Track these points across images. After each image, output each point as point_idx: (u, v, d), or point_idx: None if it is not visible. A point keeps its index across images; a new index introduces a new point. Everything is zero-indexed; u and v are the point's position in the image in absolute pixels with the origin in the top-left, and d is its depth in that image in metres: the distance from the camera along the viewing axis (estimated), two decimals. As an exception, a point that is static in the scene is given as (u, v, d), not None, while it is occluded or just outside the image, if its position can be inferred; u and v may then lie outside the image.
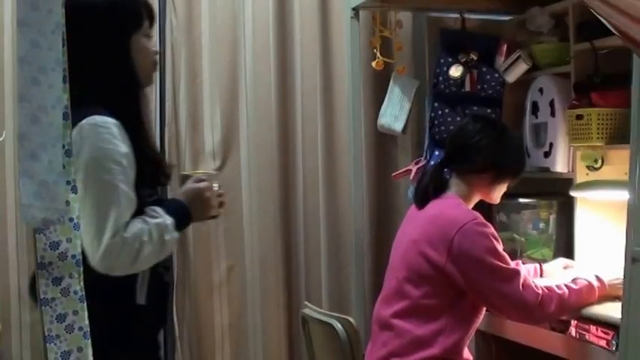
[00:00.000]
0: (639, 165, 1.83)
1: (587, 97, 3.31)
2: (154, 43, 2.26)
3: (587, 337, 2.86)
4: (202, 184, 2.32)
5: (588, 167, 3.38)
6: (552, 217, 3.57)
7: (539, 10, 3.66)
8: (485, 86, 3.86)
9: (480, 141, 2.97)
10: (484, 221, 2.85)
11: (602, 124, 3.23)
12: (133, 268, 2.11)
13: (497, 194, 3.03)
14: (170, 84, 3.99)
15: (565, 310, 2.85)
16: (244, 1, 4.04)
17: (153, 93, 3.98)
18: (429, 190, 3.00)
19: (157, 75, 3.95)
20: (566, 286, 2.87)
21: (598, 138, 3.24)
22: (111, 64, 2.16)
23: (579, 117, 3.31)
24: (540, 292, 2.78)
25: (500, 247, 2.82)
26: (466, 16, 3.98)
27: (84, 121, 2.05)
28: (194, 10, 4.00)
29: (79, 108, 2.02)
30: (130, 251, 2.06)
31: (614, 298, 2.87)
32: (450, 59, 3.86)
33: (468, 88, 3.84)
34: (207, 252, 4.03)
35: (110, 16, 2.15)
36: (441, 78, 3.86)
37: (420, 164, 3.84)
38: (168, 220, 2.16)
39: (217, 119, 4.03)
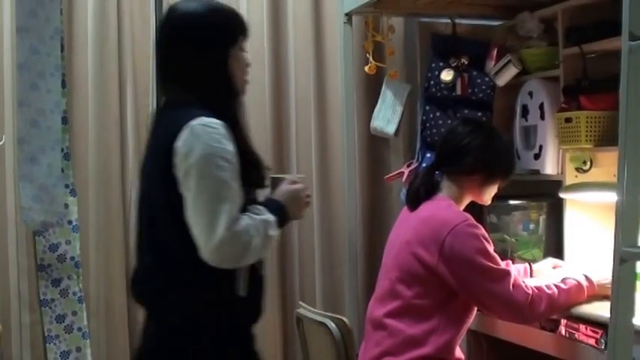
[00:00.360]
0: (627, 167, 1.83)
1: (576, 101, 3.32)
2: (248, 56, 2.39)
3: (576, 335, 2.86)
4: (297, 186, 2.42)
5: (577, 169, 3.39)
6: (542, 219, 3.58)
7: (529, 15, 3.67)
8: (476, 90, 3.86)
9: (469, 143, 2.97)
10: (475, 223, 2.86)
11: (591, 126, 3.24)
12: (242, 262, 2.19)
13: (487, 195, 3.04)
14: (166, 88, 3.99)
15: (555, 309, 2.86)
16: (239, 5, 4.03)
17: (150, 97, 3.99)
18: (420, 192, 3.00)
19: (152, 80, 3.99)
20: (555, 286, 2.88)
21: (587, 140, 3.25)
22: (212, 74, 2.28)
23: (568, 120, 3.32)
24: (530, 292, 2.79)
25: (490, 247, 2.83)
26: (457, 21, 3.98)
27: (194, 122, 2.15)
28: (190, 15, 4.00)
29: (187, 111, 2.19)
30: (240, 245, 2.13)
31: (602, 298, 2.88)
32: (442, 63, 3.86)
33: (459, 91, 3.85)
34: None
35: (211, 32, 2.29)
36: (432, 82, 3.87)
37: (412, 166, 3.84)
38: (271, 217, 2.25)
39: (213, 123, 4.03)
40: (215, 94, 2.28)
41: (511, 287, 2.77)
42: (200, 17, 2.30)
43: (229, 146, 2.17)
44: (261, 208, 2.27)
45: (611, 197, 2.60)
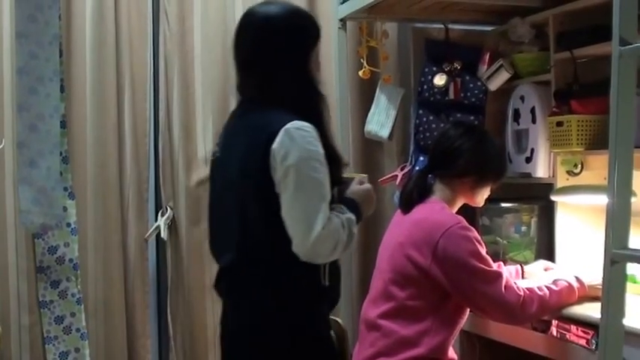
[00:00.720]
0: (617, 170, 1.83)
1: (567, 105, 3.33)
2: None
3: (567, 336, 2.87)
4: (367, 186, 2.51)
5: (568, 172, 3.39)
6: (534, 221, 3.58)
7: (520, 20, 3.68)
8: (469, 94, 3.86)
9: (461, 146, 2.97)
10: (468, 225, 2.86)
11: (582, 130, 3.25)
12: (330, 258, 2.29)
13: (480, 198, 3.03)
14: (164, 93, 3.99)
15: (546, 310, 2.86)
16: (235, 13, 4.03)
17: (147, 102, 3.98)
18: (413, 195, 3.00)
19: (150, 84, 3.99)
20: (546, 287, 2.88)
21: (578, 144, 3.26)
22: (297, 76, 2.36)
23: (559, 124, 3.32)
24: (522, 293, 2.79)
25: (483, 250, 2.83)
26: (450, 26, 3.99)
27: (289, 125, 2.23)
28: (186, 21, 4.00)
29: (278, 114, 2.27)
30: (332, 241, 2.23)
31: (592, 299, 2.89)
32: (435, 68, 3.86)
33: (451, 96, 3.85)
34: (199, 255, 4.01)
35: (294, 35, 2.36)
36: (425, 86, 3.87)
37: (406, 170, 3.84)
38: (352, 216, 2.34)
39: (209, 127, 4.03)
40: (301, 95, 2.35)
41: (503, 289, 2.77)
42: (283, 20, 2.36)
43: (321, 149, 2.26)
44: (343, 207, 2.36)
45: (602, 200, 2.61)
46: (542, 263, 3.31)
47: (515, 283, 2.85)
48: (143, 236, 3.97)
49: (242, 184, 2.31)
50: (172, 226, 4.01)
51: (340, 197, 2.43)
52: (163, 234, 3.96)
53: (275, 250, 2.28)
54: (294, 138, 2.22)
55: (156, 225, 3.99)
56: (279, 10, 2.38)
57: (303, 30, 2.40)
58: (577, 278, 2.95)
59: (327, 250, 2.24)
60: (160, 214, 4.01)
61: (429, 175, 3.04)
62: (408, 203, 3.00)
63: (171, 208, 4.00)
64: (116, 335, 3.90)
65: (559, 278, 2.96)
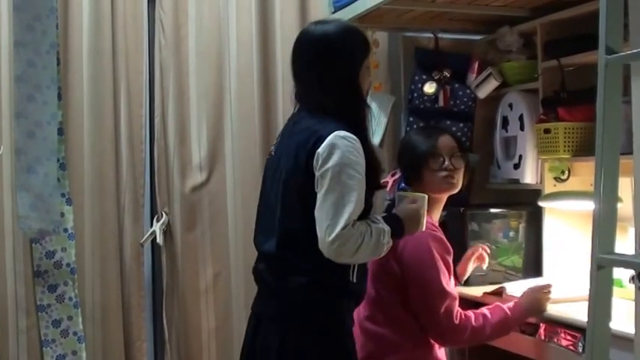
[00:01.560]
0: (604, 176, 1.83)
1: (555, 112, 3.33)
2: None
3: (555, 339, 2.86)
4: (417, 205, 2.61)
5: (556, 179, 3.40)
6: (522, 226, 3.58)
7: (509, 29, 3.68)
8: (458, 102, 3.87)
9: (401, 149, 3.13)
10: (437, 235, 2.90)
11: (569, 137, 3.25)
12: (353, 259, 2.41)
13: (433, 184, 2.99)
14: (159, 101, 3.98)
15: (478, 339, 2.92)
16: (229, 22, 4.04)
17: (143, 109, 3.98)
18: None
19: (146, 92, 3.98)
20: (483, 317, 2.89)
21: (565, 151, 3.26)
22: (348, 89, 2.51)
23: (547, 131, 3.32)
24: (457, 321, 2.83)
25: (443, 263, 2.87)
26: (439, 35, 3.99)
27: (336, 133, 2.38)
28: (181, 30, 4.00)
29: (327, 122, 2.43)
30: (354, 244, 2.34)
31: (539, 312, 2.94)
32: (424, 76, 3.87)
33: (441, 103, 3.86)
34: (194, 260, 4.01)
35: (347, 52, 2.51)
36: (415, 94, 3.87)
37: (396, 176, 3.84)
38: (386, 227, 2.45)
39: (204, 134, 4.02)
40: (350, 106, 2.49)
41: (443, 308, 2.81)
42: (337, 38, 2.51)
43: (361, 160, 2.40)
44: (379, 218, 2.49)
45: (589, 206, 2.61)
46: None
47: (459, 309, 2.88)
48: (139, 241, 3.96)
49: (287, 180, 2.47)
50: (167, 231, 4.00)
51: (389, 213, 2.62)
52: (159, 239, 3.95)
53: (310, 243, 2.38)
54: (338, 145, 2.36)
55: (151, 230, 3.98)
56: (335, 28, 2.54)
57: (355, 47, 2.54)
58: (514, 305, 2.94)
59: (349, 251, 2.35)
60: (155, 220, 4.00)
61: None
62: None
63: (166, 214, 3.99)
64: (112, 338, 3.89)
65: (499, 305, 2.96)
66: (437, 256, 2.87)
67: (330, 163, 2.35)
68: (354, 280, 2.48)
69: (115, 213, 3.90)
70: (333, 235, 2.32)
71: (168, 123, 3.98)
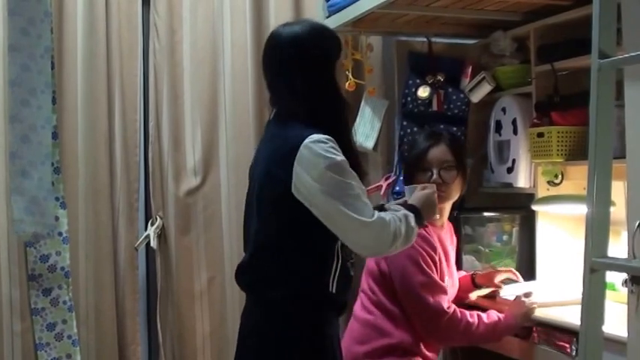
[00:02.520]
0: (597, 180, 1.84)
1: (548, 116, 3.33)
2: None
3: (548, 342, 2.87)
4: (428, 191, 2.66)
5: (549, 182, 3.40)
6: (515, 230, 3.59)
7: (502, 34, 3.69)
8: (452, 106, 3.87)
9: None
10: (421, 232, 2.90)
11: (562, 141, 3.26)
12: (392, 248, 2.36)
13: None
14: (153, 105, 3.98)
15: (471, 337, 2.93)
16: (223, 26, 4.04)
17: (137, 113, 3.98)
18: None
19: (140, 96, 3.98)
20: (478, 316, 2.91)
21: (558, 155, 3.26)
22: (324, 91, 2.45)
23: (540, 135, 3.33)
24: (451, 311, 2.86)
25: (429, 258, 2.91)
26: (433, 40, 3.99)
27: (307, 141, 2.30)
28: (176, 34, 4.00)
29: (300, 128, 2.36)
30: (388, 232, 2.31)
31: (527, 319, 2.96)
32: (418, 80, 3.87)
33: (435, 107, 3.86)
34: (188, 264, 4.01)
35: (319, 53, 2.45)
36: (409, 98, 3.88)
37: (390, 180, 3.84)
38: (409, 213, 2.44)
39: (198, 138, 4.02)
40: (325, 109, 2.43)
41: (432, 299, 2.85)
42: (307, 39, 2.45)
43: (341, 155, 2.33)
44: (398, 206, 2.50)
45: (582, 209, 2.61)
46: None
47: (453, 306, 2.92)
48: (133, 245, 3.96)
49: (261, 191, 2.43)
50: (162, 235, 4.00)
51: (404, 204, 2.58)
52: (153, 243, 3.95)
53: (284, 254, 2.37)
54: (314, 151, 2.30)
55: (146, 234, 3.97)
56: (303, 29, 2.48)
57: (327, 46, 2.49)
58: (504, 316, 2.96)
59: (387, 240, 2.32)
60: (149, 224, 4.00)
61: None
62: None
63: (160, 218, 3.99)
64: (107, 342, 3.88)
65: (492, 311, 2.99)
66: (420, 251, 2.90)
67: (316, 175, 2.29)
68: (334, 291, 2.42)
69: (109, 217, 3.90)
70: (368, 229, 2.28)
71: (163, 127, 3.98)
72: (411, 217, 2.43)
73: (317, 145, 2.30)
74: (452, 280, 3.14)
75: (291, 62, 2.43)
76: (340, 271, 2.42)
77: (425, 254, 2.92)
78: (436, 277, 2.93)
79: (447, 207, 3.12)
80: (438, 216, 2.81)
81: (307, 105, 2.40)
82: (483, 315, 2.96)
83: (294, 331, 2.40)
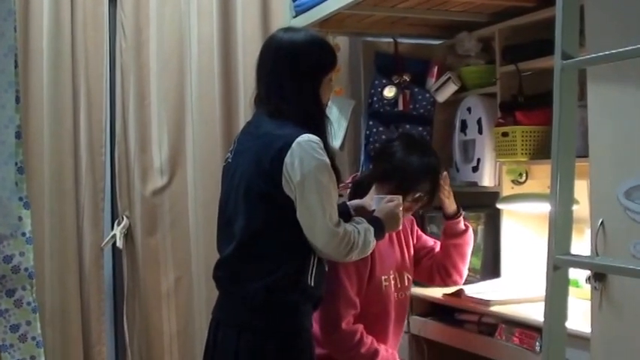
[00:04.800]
0: (560, 179, 1.85)
1: (512, 116, 3.36)
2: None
3: (513, 339, 2.89)
4: (392, 204, 2.74)
5: (513, 181, 3.43)
6: (480, 228, 3.61)
7: (468, 35, 3.71)
8: (417, 106, 3.89)
9: (387, 151, 3.04)
10: None
11: (526, 140, 3.28)
12: (347, 258, 2.50)
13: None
14: (120, 105, 3.96)
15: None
16: (190, 25, 4.02)
17: (103, 113, 3.95)
18: (350, 196, 3.11)
19: (106, 95, 3.96)
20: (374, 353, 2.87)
21: (522, 154, 3.29)
22: (310, 96, 2.52)
23: (505, 134, 3.35)
24: (346, 327, 2.82)
25: (355, 269, 2.85)
26: (399, 40, 4.01)
27: (299, 139, 2.40)
28: (142, 33, 3.98)
29: (289, 127, 2.45)
30: (348, 242, 2.44)
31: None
32: (384, 80, 3.88)
33: (400, 107, 3.87)
34: (155, 263, 3.99)
35: (313, 61, 2.54)
36: (375, 98, 3.89)
37: (357, 179, 3.85)
38: (371, 227, 2.56)
39: (165, 138, 4.01)
40: (309, 114, 2.51)
41: (342, 310, 2.82)
42: (304, 46, 2.55)
43: (327, 158, 2.45)
44: (362, 219, 2.60)
45: (545, 208, 2.64)
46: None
47: (363, 333, 2.86)
48: (99, 245, 3.93)
49: (249, 185, 2.47)
50: (128, 234, 3.98)
51: (369, 215, 2.69)
52: (119, 243, 3.92)
53: (270, 247, 2.45)
54: (306, 150, 2.40)
55: (112, 234, 3.95)
56: (302, 37, 2.58)
57: (320, 59, 2.56)
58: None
59: (344, 249, 2.44)
60: (116, 224, 3.97)
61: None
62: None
63: (127, 218, 3.97)
64: (72, 343, 3.86)
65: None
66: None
67: (305, 170, 2.38)
68: (312, 284, 2.50)
69: (74, 217, 3.87)
70: (329, 233, 2.40)
71: (129, 126, 3.96)
72: (371, 231, 2.55)
73: (308, 145, 2.40)
74: (402, 253, 3.10)
75: (284, 65, 2.51)
76: (317, 265, 2.50)
77: (354, 266, 2.85)
78: (352, 292, 2.86)
79: None
80: (399, 228, 2.86)
81: (299, 108, 2.49)
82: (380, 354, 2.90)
83: (272, 321, 2.46)
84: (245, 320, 2.48)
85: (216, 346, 2.54)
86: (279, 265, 2.44)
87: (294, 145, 2.39)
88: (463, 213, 3.24)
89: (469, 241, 3.22)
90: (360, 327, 2.86)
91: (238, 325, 2.49)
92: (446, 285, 3.24)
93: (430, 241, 3.25)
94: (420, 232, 3.26)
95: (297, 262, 2.47)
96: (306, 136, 2.42)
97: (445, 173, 3.19)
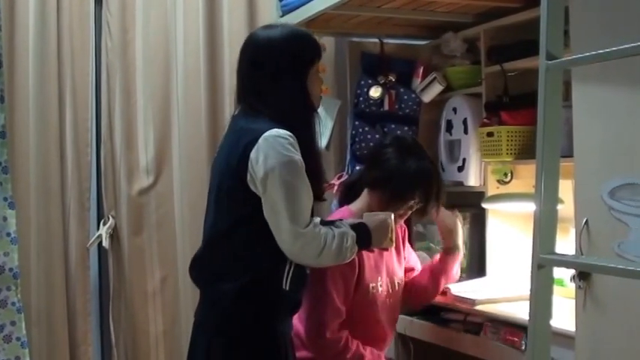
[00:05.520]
0: (544, 178, 1.86)
1: (497, 116, 3.37)
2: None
3: (498, 338, 2.91)
4: (383, 216, 2.65)
5: (498, 181, 3.45)
6: (466, 228, 3.62)
7: (453, 35, 3.73)
8: (403, 106, 3.90)
9: (380, 157, 2.95)
10: None
11: (511, 140, 3.30)
12: (317, 262, 2.42)
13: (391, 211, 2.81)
14: (106, 104, 3.96)
15: None
16: (176, 25, 4.03)
17: (89, 112, 3.95)
18: (341, 199, 3.10)
19: (92, 95, 3.95)
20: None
21: (507, 154, 3.30)
22: (291, 93, 2.46)
23: (490, 134, 3.37)
24: (330, 335, 2.77)
25: (342, 277, 2.80)
26: (385, 40, 4.02)
27: (266, 134, 2.33)
28: (128, 32, 3.98)
29: (262, 123, 2.38)
30: (317, 245, 2.35)
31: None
32: (370, 81, 3.89)
33: (386, 107, 3.88)
34: (141, 263, 3.99)
35: (292, 57, 2.47)
36: (361, 98, 3.89)
37: (342, 179, 3.85)
38: (351, 232, 2.45)
39: (151, 137, 4.01)
40: (292, 109, 2.44)
41: (327, 319, 2.77)
42: (282, 42, 2.49)
43: (297, 155, 2.35)
44: (345, 223, 2.51)
45: (530, 207, 2.66)
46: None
47: (351, 340, 2.83)
48: (85, 245, 3.93)
49: (221, 183, 2.44)
50: (114, 234, 3.97)
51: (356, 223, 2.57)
52: (105, 242, 3.92)
53: (238, 247, 2.39)
54: (272, 145, 2.32)
55: (98, 234, 3.95)
56: (279, 33, 2.52)
57: (300, 51, 2.50)
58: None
59: (313, 253, 2.35)
60: (101, 223, 3.97)
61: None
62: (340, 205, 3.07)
63: (113, 217, 3.96)
64: (58, 343, 3.85)
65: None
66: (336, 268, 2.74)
67: (268, 166, 2.30)
68: (287, 288, 2.42)
69: (60, 216, 3.87)
70: (293, 234, 2.31)
71: (115, 126, 3.96)
72: (351, 237, 2.44)
73: (275, 140, 2.33)
74: (395, 259, 3.08)
75: (261, 61, 2.47)
76: (295, 269, 2.42)
77: (340, 273, 2.80)
78: (338, 299, 2.80)
79: None
80: (392, 246, 2.75)
81: (276, 105, 2.43)
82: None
83: (244, 327, 2.40)
84: (217, 325, 2.44)
85: (193, 349, 2.50)
86: (248, 267, 2.38)
87: (260, 140, 2.33)
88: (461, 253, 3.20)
89: (452, 279, 3.18)
90: (345, 333, 2.83)
91: (210, 329, 2.45)
92: (413, 306, 3.24)
93: (416, 261, 3.23)
94: (409, 247, 3.24)
95: (269, 265, 2.40)
96: (274, 131, 2.34)
97: (458, 214, 3.18)
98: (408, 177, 2.88)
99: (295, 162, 2.34)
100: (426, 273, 3.17)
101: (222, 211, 2.43)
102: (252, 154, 2.32)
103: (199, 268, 2.51)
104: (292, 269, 2.42)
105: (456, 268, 3.18)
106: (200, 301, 2.54)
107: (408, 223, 3.29)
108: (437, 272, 3.15)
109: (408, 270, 3.19)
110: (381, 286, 2.96)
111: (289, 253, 2.36)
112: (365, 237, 2.52)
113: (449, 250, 3.17)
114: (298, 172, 2.35)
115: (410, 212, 2.99)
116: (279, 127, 2.36)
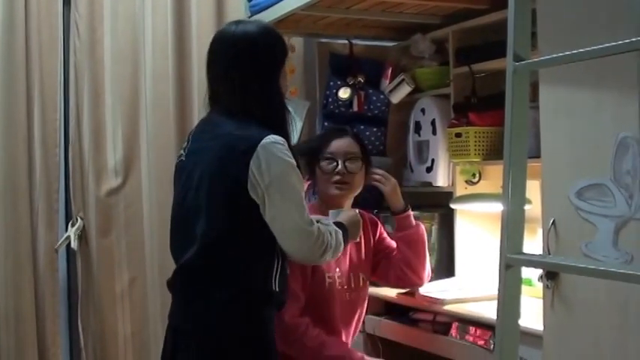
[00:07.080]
0: (512, 179, 1.87)
1: (466, 117, 3.39)
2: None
3: (467, 337, 2.92)
4: (354, 212, 2.75)
5: (467, 181, 3.47)
6: (434, 228, 3.64)
7: (422, 36, 3.74)
8: (372, 107, 3.91)
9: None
10: None
11: (479, 141, 3.32)
12: (321, 259, 2.45)
13: (322, 185, 3.01)
14: (74, 104, 3.92)
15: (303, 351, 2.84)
16: (144, 24, 4.00)
17: (57, 112, 3.91)
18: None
19: (60, 95, 3.91)
20: (320, 344, 2.83)
21: (475, 154, 3.32)
22: (269, 90, 2.44)
23: (458, 135, 3.39)
24: (289, 320, 2.77)
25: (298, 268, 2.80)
26: (354, 42, 4.03)
27: (265, 141, 2.32)
28: (96, 32, 3.94)
29: (252, 128, 2.36)
30: (322, 242, 2.38)
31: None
32: (339, 82, 3.90)
33: (355, 108, 3.89)
34: (110, 265, 3.96)
35: (269, 52, 2.45)
36: (330, 99, 3.90)
37: (311, 181, 3.85)
38: (339, 230, 2.52)
39: (119, 137, 3.98)
40: (270, 107, 2.44)
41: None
42: (257, 37, 2.45)
43: (294, 159, 2.38)
44: (328, 221, 2.55)
45: (498, 207, 2.67)
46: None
47: (311, 328, 2.83)
48: (53, 246, 3.89)
49: (211, 187, 2.37)
50: (83, 236, 3.94)
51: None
52: (74, 244, 3.89)
53: (234, 252, 2.36)
54: (273, 152, 2.32)
55: (66, 235, 3.91)
56: (256, 28, 2.48)
57: (277, 48, 2.49)
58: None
59: (319, 249, 2.38)
60: (70, 225, 3.94)
61: None
62: None
63: (81, 219, 3.93)
64: (26, 346, 3.81)
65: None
66: None
67: (273, 173, 2.31)
68: (277, 289, 2.43)
69: (28, 218, 3.82)
70: (305, 233, 2.34)
71: (83, 126, 3.92)
72: (340, 233, 2.50)
73: (274, 147, 2.33)
74: (358, 254, 3.07)
75: (242, 58, 2.42)
76: (281, 269, 2.43)
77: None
78: (295, 284, 2.78)
79: (351, 199, 3.06)
80: (358, 239, 2.87)
81: (264, 105, 2.42)
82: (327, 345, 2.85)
83: (239, 330, 2.39)
84: (208, 327, 2.39)
85: (176, 354, 2.45)
86: (244, 271, 2.38)
87: (258, 148, 2.31)
88: (411, 210, 3.14)
89: (422, 238, 3.11)
90: (306, 320, 2.82)
91: (201, 332, 2.40)
92: (404, 286, 3.23)
93: (393, 244, 3.19)
94: (384, 234, 3.21)
95: (262, 268, 2.40)
96: (270, 138, 2.33)
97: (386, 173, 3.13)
98: (316, 136, 3.14)
99: (295, 166, 2.38)
100: (398, 245, 3.12)
101: (216, 217, 2.37)
102: (253, 163, 2.30)
103: (189, 274, 2.44)
104: (280, 270, 2.43)
105: (414, 221, 3.12)
106: (183, 307, 2.47)
107: (378, 216, 3.30)
108: (405, 238, 3.10)
109: (388, 253, 3.14)
110: (339, 277, 2.95)
111: (296, 252, 2.39)
112: (345, 233, 2.57)
113: (399, 211, 3.12)
114: (298, 174, 2.39)
115: (338, 176, 2.96)
116: (270, 132, 2.36)
